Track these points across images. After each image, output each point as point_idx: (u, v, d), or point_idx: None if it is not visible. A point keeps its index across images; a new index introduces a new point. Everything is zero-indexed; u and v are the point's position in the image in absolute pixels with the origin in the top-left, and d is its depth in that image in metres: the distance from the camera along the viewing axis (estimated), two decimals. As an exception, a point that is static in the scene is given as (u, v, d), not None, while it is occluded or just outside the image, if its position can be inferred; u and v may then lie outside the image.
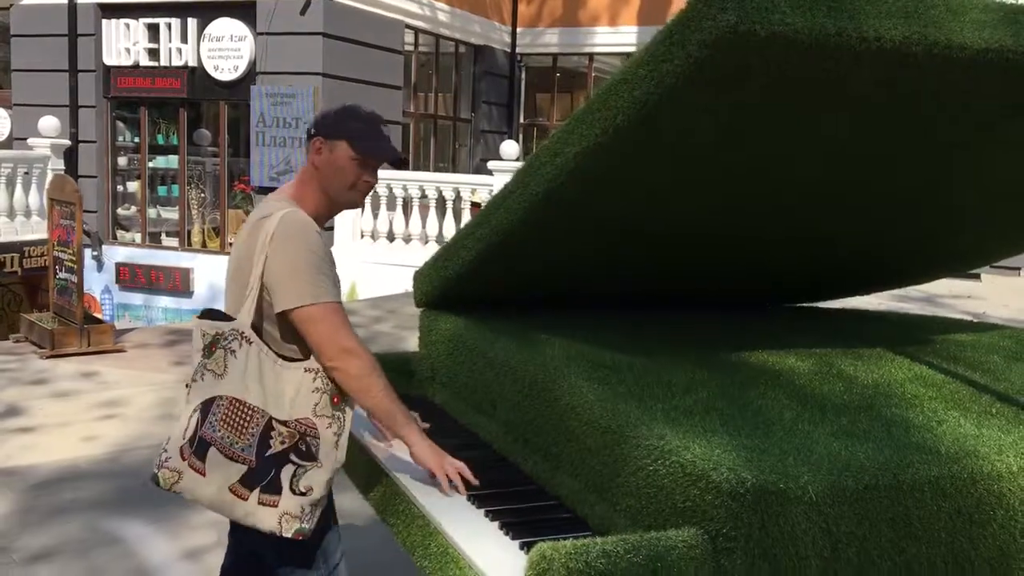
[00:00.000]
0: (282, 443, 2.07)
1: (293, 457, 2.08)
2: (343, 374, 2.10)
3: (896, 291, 11.11)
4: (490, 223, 2.50)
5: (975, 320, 4.46)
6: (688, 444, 1.77)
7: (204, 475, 2.05)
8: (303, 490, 2.08)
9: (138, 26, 12.42)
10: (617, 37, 15.41)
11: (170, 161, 13.06)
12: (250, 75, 11.90)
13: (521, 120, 16.87)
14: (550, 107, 16.82)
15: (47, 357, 6.86)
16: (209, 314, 2.16)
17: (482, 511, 2.10)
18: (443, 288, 2.87)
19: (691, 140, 2.01)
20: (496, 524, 2.04)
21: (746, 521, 1.61)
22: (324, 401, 2.12)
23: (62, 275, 7.31)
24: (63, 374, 6.44)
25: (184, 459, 2.06)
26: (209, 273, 12.53)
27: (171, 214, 13.17)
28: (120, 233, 13.41)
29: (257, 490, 2.06)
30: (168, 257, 12.85)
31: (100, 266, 13.04)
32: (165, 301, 12.82)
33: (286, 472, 2.07)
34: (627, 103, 1.88)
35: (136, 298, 12.97)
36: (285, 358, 2.11)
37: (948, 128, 2.12)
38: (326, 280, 2.11)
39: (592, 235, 2.50)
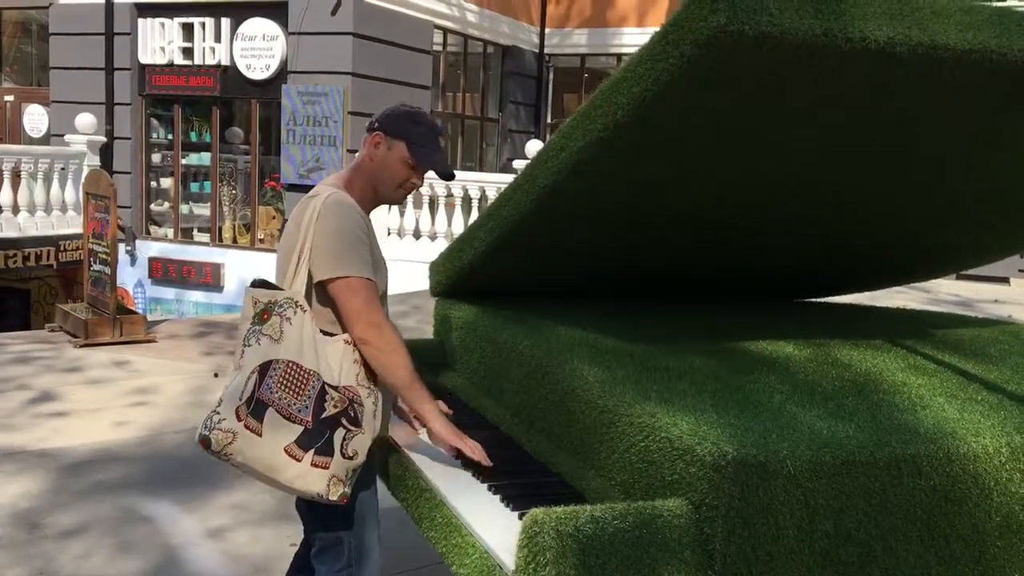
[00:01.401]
0: (335, 407, 2.16)
1: (344, 421, 2.16)
2: (369, 347, 2.20)
3: (924, 296, 11.11)
4: (500, 215, 2.62)
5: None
6: (677, 421, 1.87)
7: (260, 435, 2.10)
8: (350, 454, 2.17)
9: (173, 25, 12.67)
10: (645, 38, 15.12)
11: (203, 158, 13.30)
12: (281, 74, 12.11)
13: (548, 120, 16.96)
14: (577, 107, 16.89)
15: (80, 346, 7.06)
16: (261, 284, 2.25)
17: (485, 486, 2.21)
18: (456, 278, 2.99)
19: (687, 135, 2.11)
20: (498, 497, 2.15)
21: (727, 492, 1.71)
22: (363, 373, 2.22)
23: (96, 267, 7.52)
24: (96, 362, 6.64)
25: (240, 420, 2.10)
26: (240, 268, 12.76)
27: (203, 210, 13.41)
28: (153, 228, 13.68)
29: (312, 451, 2.12)
30: (200, 252, 13.09)
31: (133, 260, 13.30)
32: (196, 295, 13.06)
33: (338, 435, 2.15)
34: (626, 99, 1.99)
35: (168, 292, 13.22)
36: (323, 332, 2.21)
37: (936, 126, 2.20)
38: (361, 258, 2.21)
39: (596, 227, 2.60)
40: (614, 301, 3.04)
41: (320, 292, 2.23)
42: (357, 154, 2.39)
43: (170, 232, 13.56)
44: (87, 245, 7.65)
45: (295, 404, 2.13)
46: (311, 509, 2.31)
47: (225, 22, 12.35)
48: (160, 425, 5.25)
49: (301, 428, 2.13)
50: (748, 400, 2.07)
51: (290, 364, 2.14)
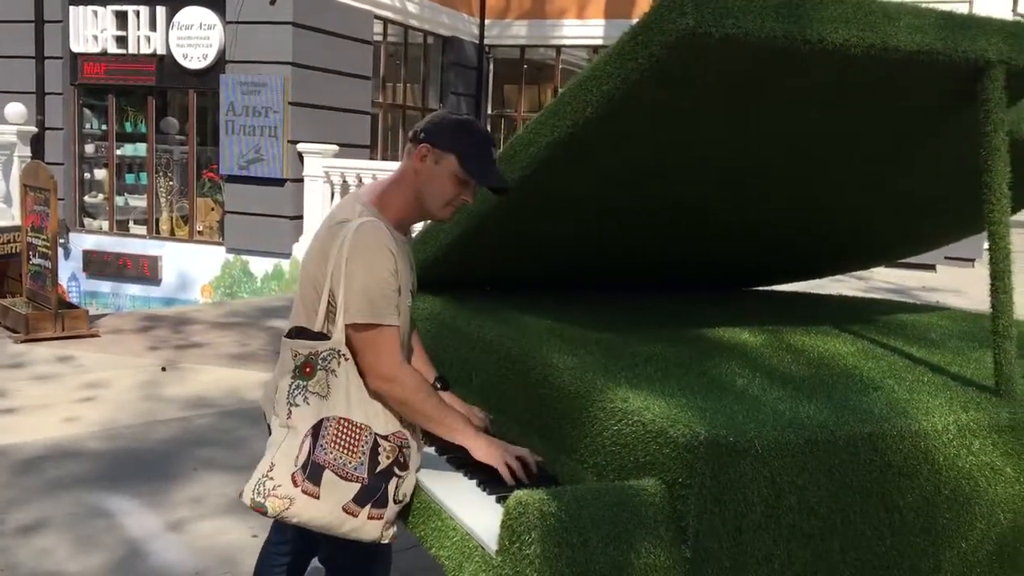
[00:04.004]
0: (387, 458, 2.12)
1: (396, 470, 2.14)
2: (388, 399, 2.14)
3: (861, 284, 11.47)
4: (467, 208, 2.67)
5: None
6: (649, 405, 1.96)
7: (318, 498, 2.07)
8: (400, 498, 2.16)
9: (106, 13, 12.41)
10: (584, 30, 15.61)
11: (138, 149, 13.07)
12: (220, 64, 11.95)
13: (489, 111, 17.02)
14: (518, 98, 16.98)
15: (21, 341, 6.93)
16: (297, 333, 2.15)
17: (461, 472, 2.29)
18: (421, 270, 3.03)
19: (654, 131, 2.21)
20: (474, 482, 2.23)
21: (699, 471, 1.80)
22: None
23: (36, 260, 7.38)
24: (39, 358, 6.53)
25: (297, 486, 2.07)
26: (178, 261, 12.60)
27: (139, 202, 13.18)
28: (87, 221, 13.40)
29: (368, 506, 2.10)
30: (136, 245, 12.88)
31: (67, 253, 13.03)
32: (133, 289, 12.85)
33: (392, 485, 2.13)
34: (596, 97, 2.07)
35: (104, 286, 12.99)
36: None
37: (887, 125, 2.33)
38: (386, 302, 2.10)
39: (561, 220, 2.68)
40: (578, 292, 3.13)
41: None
42: (399, 165, 2.22)
43: (105, 224, 13.30)
44: (26, 238, 7.50)
45: (351, 463, 2.09)
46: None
47: (160, 11, 12.14)
48: (111, 420, 5.20)
49: (359, 486, 2.09)
50: (713, 384, 2.17)
51: (341, 421, 2.10)
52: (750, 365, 2.38)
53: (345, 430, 2.10)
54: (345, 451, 2.09)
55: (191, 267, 12.58)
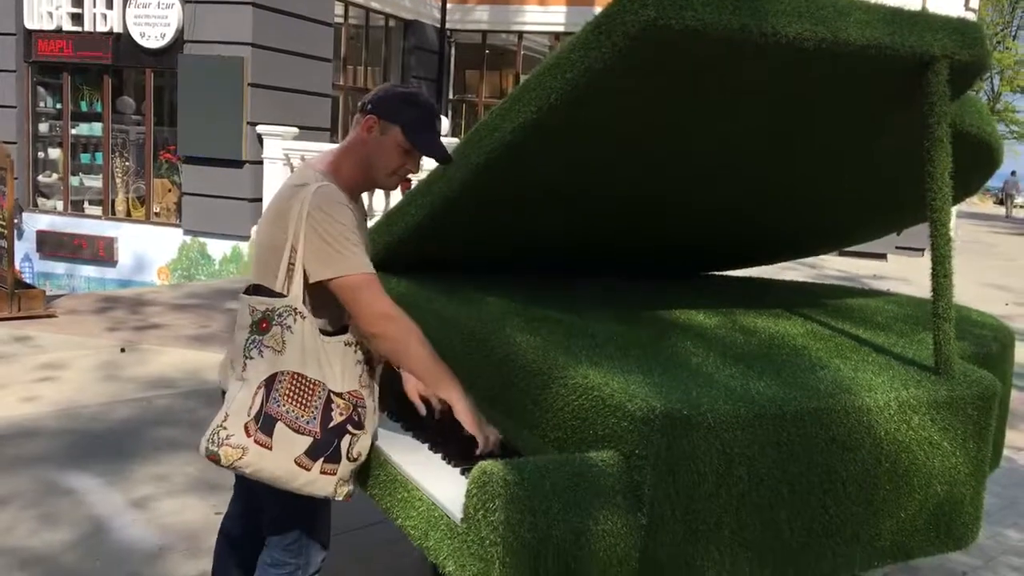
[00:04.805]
0: (341, 415, 2.18)
1: (349, 427, 2.20)
2: (383, 339, 2.17)
3: (813, 272, 11.70)
4: (432, 191, 2.74)
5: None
6: (608, 381, 2.05)
7: (271, 449, 2.12)
8: (355, 456, 2.22)
9: (61, -10, 12.21)
10: (546, 16, 15.65)
11: (93, 128, 12.88)
12: (178, 43, 11.79)
13: (450, 96, 17.02)
14: (479, 84, 16.99)
15: (-24, 322, 6.87)
16: (254, 290, 2.21)
17: (426, 445, 2.36)
18: (387, 251, 3.09)
19: (616, 118, 2.28)
20: (439, 456, 2.30)
21: (655, 443, 1.89)
22: (365, 373, 2.25)
23: (-10, 240, 7.29)
24: (-5, 338, 6.48)
25: (249, 435, 2.12)
26: (133, 242, 12.46)
27: (94, 182, 13.00)
28: (41, 201, 13.20)
29: (321, 460, 2.16)
30: (91, 226, 12.71)
31: (20, 234, 12.81)
32: (88, 270, 12.69)
33: (344, 442, 2.19)
34: (560, 84, 2.15)
35: (58, 267, 12.81)
36: (322, 332, 2.19)
37: (837, 115, 2.44)
38: (359, 251, 2.17)
39: (527, 204, 2.75)
40: (541, 275, 3.21)
41: (317, 291, 2.19)
42: (348, 135, 2.32)
43: (59, 204, 13.10)
44: (-20, 217, 7.41)
45: (303, 416, 2.15)
46: (274, 490, 2.22)
47: (117, -12, 11.97)
48: (70, 400, 5.19)
49: (310, 439, 2.15)
50: (669, 362, 2.26)
51: (295, 376, 2.15)
52: (705, 345, 2.48)
53: (299, 385, 2.15)
54: (298, 405, 2.15)
55: (147, 249, 12.46)
